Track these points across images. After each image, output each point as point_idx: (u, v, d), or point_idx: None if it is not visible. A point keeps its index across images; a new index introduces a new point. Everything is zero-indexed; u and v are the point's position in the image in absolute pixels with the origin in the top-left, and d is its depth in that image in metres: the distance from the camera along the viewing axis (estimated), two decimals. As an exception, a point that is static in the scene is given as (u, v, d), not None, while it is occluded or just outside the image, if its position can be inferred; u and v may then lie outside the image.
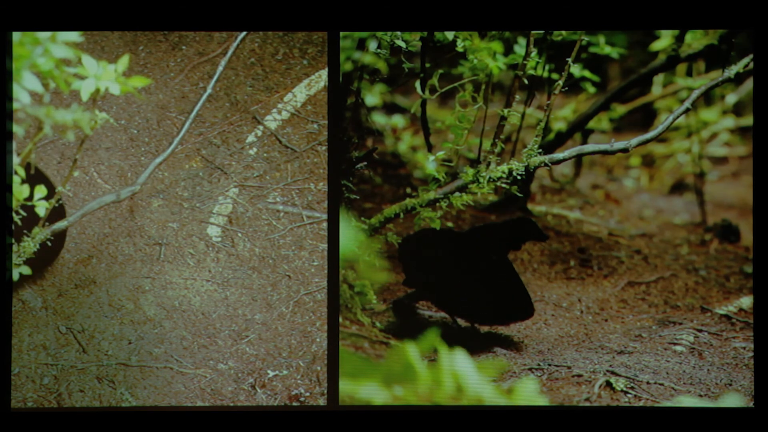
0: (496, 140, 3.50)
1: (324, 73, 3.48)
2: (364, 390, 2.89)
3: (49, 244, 3.31)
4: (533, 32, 3.44)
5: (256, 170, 3.46)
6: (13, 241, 3.29)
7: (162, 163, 3.42)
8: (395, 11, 3.42)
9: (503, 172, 3.48)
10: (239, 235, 3.43)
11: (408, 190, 4.13)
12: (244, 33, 3.49)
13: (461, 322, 3.54)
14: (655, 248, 4.14)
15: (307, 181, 3.46)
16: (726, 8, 3.41)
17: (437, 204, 3.51)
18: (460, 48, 3.48)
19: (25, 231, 3.28)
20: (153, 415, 3.33)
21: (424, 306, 3.66)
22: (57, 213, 3.33)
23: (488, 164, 3.50)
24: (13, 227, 3.29)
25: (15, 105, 3.27)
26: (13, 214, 3.28)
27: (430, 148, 3.68)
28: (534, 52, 3.47)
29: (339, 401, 3.32)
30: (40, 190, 3.22)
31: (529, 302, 3.51)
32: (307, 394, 3.36)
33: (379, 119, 4.20)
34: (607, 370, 3.35)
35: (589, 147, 3.62)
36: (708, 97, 4.48)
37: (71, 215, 3.34)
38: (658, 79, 4.40)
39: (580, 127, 4.10)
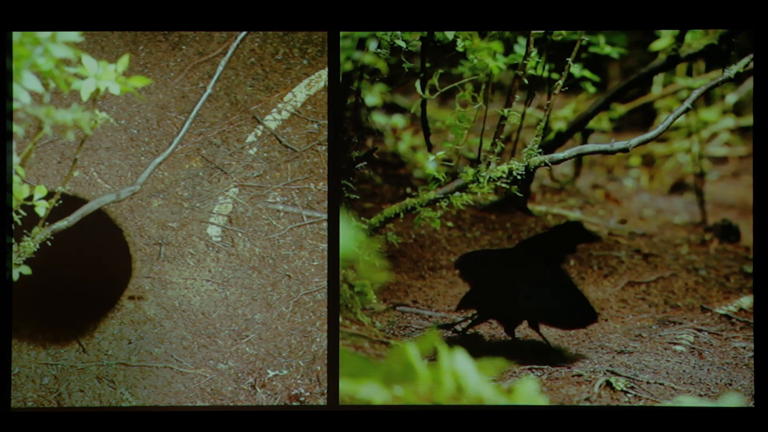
0: (496, 140, 3.50)
1: (324, 73, 3.48)
2: (364, 390, 2.89)
3: (49, 243, 3.31)
4: (533, 32, 3.44)
5: (256, 170, 3.46)
6: (13, 241, 3.29)
7: (162, 163, 3.42)
8: (395, 11, 3.42)
9: (503, 172, 3.48)
10: (239, 235, 3.43)
11: (408, 190, 4.13)
12: (244, 33, 3.49)
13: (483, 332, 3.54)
14: (655, 248, 4.14)
15: (307, 181, 3.46)
16: (726, 8, 3.41)
17: (437, 204, 3.51)
18: (460, 48, 3.48)
19: (25, 231, 3.28)
20: (153, 415, 3.33)
21: (424, 306, 3.66)
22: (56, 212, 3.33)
23: (488, 164, 3.50)
24: (13, 227, 3.29)
25: (15, 105, 3.27)
26: (13, 214, 3.27)
27: (430, 148, 3.68)
28: (534, 52, 3.47)
29: (339, 401, 3.32)
30: (40, 190, 3.22)
31: (590, 307, 3.51)
32: (307, 394, 3.36)
33: (379, 119, 4.20)
34: (607, 370, 3.35)
35: (589, 147, 3.62)
36: (708, 97, 4.48)
37: (71, 215, 3.34)
38: (658, 79, 4.40)
39: (580, 127, 4.10)
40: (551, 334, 3.57)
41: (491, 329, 3.57)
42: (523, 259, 3.55)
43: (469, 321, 3.54)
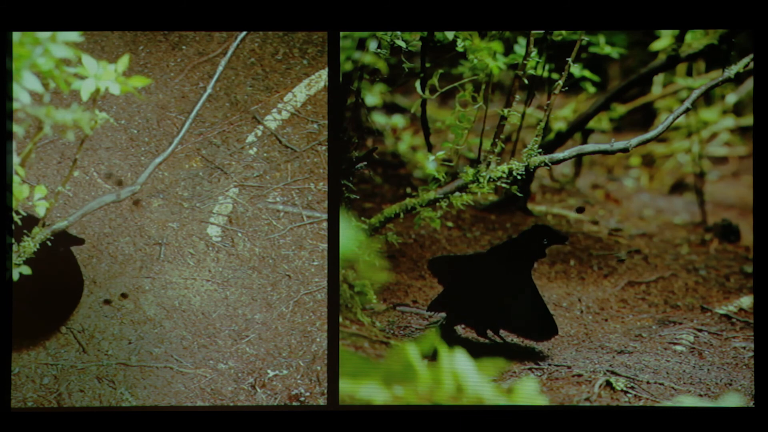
0: (496, 140, 3.50)
1: (324, 73, 3.48)
2: (364, 390, 2.89)
3: (48, 244, 3.31)
4: (533, 32, 3.44)
5: (256, 170, 3.46)
6: (13, 241, 3.29)
7: (162, 163, 3.42)
8: (395, 11, 3.42)
9: (503, 172, 3.48)
10: (239, 235, 3.43)
11: (408, 190, 4.13)
12: (244, 33, 3.49)
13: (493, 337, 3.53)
14: (655, 248, 4.14)
15: (307, 181, 3.46)
16: (726, 8, 3.41)
17: (437, 204, 3.51)
18: (460, 48, 3.48)
19: (25, 231, 3.28)
20: (153, 415, 3.33)
21: (424, 306, 3.66)
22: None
23: (488, 164, 3.50)
24: (13, 227, 3.29)
25: (15, 105, 3.27)
26: (13, 214, 3.27)
27: (430, 148, 3.68)
28: (534, 52, 3.47)
29: (339, 401, 3.32)
30: (40, 190, 3.22)
31: (552, 321, 3.49)
32: (307, 394, 3.36)
33: (379, 119, 4.20)
34: (607, 370, 3.35)
35: (589, 147, 3.61)
36: (708, 97, 4.48)
37: (71, 215, 3.34)
38: (658, 79, 4.40)
39: (580, 127, 4.10)
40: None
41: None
42: (493, 264, 3.54)
43: (441, 323, 3.54)
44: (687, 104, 3.49)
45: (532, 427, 3.31)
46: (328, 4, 3.42)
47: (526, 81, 3.50)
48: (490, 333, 3.49)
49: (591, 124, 4.16)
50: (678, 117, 3.49)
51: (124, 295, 3.37)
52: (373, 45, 3.47)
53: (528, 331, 3.47)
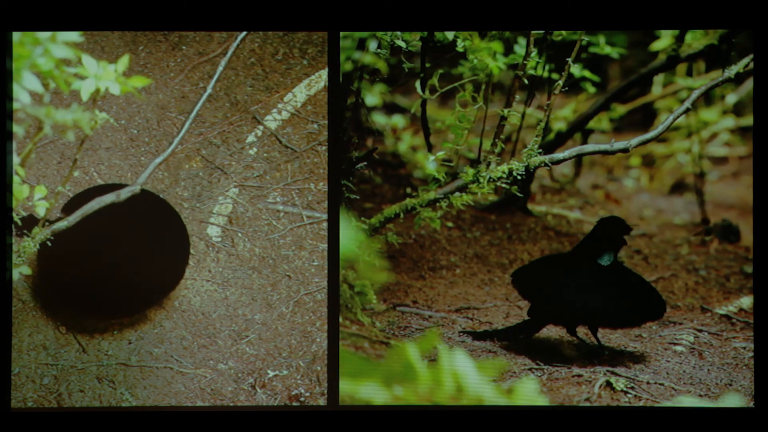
0: (496, 140, 3.50)
1: (324, 73, 3.48)
2: (364, 390, 2.89)
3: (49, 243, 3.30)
4: (533, 32, 3.44)
5: (256, 170, 3.46)
6: (14, 241, 3.29)
7: (162, 163, 3.42)
8: (395, 11, 3.42)
9: (503, 172, 3.48)
10: (239, 235, 3.43)
11: (408, 190, 4.13)
12: (244, 33, 3.49)
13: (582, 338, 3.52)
14: (655, 248, 4.14)
15: (307, 181, 3.46)
16: (726, 8, 3.41)
17: (437, 204, 3.51)
18: (460, 48, 3.48)
19: (25, 231, 3.28)
20: (153, 415, 3.33)
21: (424, 306, 3.66)
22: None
23: (488, 164, 3.50)
24: (13, 227, 3.29)
25: (15, 105, 3.27)
26: (13, 214, 3.27)
27: (430, 148, 3.68)
28: (534, 52, 3.47)
29: (339, 401, 3.32)
30: (40, 190, 3.22)
31: (660, 299, 3.48)
32: (307, 394, 3.36)
33: (379, 119, 4.20)
34: (608, 370, 3.35)
35: (589, 147, 3.62)
36: (708, 97, 4.49)
37: (71, 215, 3.33)
38: (658, 79, 4.40)
39: (580, 127, 4.10)
40: (552, 334, 3.57)
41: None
42: (580, 263, 3.49)
43: (525, 329, 3.51)
44: (687, 104, 3.49)
45: (532, 427, 3.31)
46: (328, 4, 3.42)
47: (526, 81, 3.50)
48: (582, 333, 3.47)
49: (591, 124, 4.16)
50: (678, 117, 3.49)
51: None
52: (373, 45, 3.47)
53: (638, 315, 3.45)
